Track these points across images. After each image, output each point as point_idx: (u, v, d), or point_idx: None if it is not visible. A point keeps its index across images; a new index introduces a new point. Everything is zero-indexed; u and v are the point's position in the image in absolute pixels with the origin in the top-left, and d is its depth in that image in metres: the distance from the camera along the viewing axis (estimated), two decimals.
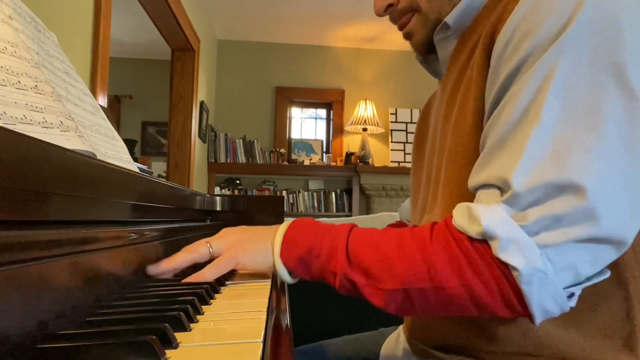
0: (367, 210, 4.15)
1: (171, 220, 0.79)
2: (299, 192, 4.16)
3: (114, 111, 4.71)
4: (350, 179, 4.16)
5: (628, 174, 0.44)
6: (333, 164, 4.13)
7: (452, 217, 0.51)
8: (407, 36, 0.69)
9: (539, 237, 0.45)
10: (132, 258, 0.56)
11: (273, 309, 0.50)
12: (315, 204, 4.15)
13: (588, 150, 0.43)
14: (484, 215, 0.46)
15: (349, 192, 4.17)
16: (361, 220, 1.99)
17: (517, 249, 0.44)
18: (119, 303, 0.46)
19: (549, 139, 0.44)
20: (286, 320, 0.49)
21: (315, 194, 4.17)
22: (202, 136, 3.58)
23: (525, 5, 0.49)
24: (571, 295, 0.46)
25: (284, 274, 0.58)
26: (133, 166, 0.83)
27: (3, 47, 0.51)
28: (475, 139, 0.54)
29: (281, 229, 0.59)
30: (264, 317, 0.44)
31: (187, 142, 3.17)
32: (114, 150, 0.74)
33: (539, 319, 0.47)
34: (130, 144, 4.53)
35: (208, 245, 0.62)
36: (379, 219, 1.94)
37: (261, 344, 0.35)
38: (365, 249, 0.53)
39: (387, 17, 0.69)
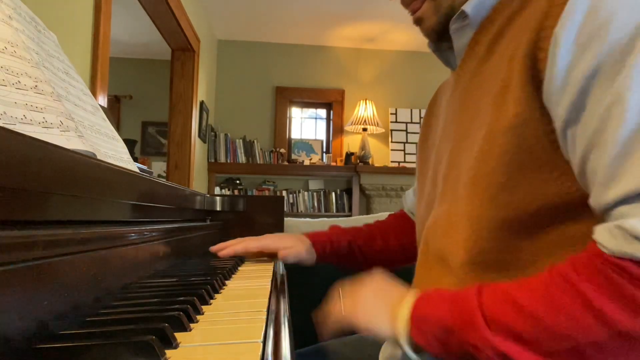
0: (367, 210, 4.15)
1: (171, 220, 0.79)
2: (299, 192, 4.16)
3: (114, 111, 4.71)
4: (350, 179, 4.16)
5: None
6: (333, 164, 4.13)
7: (595, 243, 0.43)
8: (418, 21, 0.67)
9: None
10: (132, 258, 0.56)
11: (273, 309, 0.50)
12: (315, 204, 4.15)
13: None
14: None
15: (349, 192, 4.17)
16: (361, 220, 1.99)
17: None
18: (119, 303, 0.46)
19: None
20: (286, 320, 0.49)
21: (315, 194, 4.17)
22: (202, 136, 3.58)
23: (584, 1, 0.46)
24: None
25: (409, 352, 0.52)
26: (133, 166, 0.83)
27: (3, 47, 0.51)
28: (510, 141, 0.52)
29: (405, 306, 0.53)
30: (264, 317, 0.44)
31: (187, 142, 3.17)
32: (114, 150, 0.74)
33: None
34: (130, 144, 4.53)
35: (341, 306, 0.59)
36: (379, 219, 1.94)
37: (261, 344, 0.35)
38: (505, 309, 0.46)
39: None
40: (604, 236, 0.42)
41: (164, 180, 1.02)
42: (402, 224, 0.95)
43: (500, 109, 0.54)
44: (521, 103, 0.51)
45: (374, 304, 0.57)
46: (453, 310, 0.49)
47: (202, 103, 3.49)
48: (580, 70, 0.45)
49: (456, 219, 0.59)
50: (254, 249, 0.90)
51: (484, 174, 0.55)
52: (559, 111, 0.48)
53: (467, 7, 0.61)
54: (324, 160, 4.23)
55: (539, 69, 0.49)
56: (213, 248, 0.91)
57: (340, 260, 0.92)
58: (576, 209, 0.50)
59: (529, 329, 0.44)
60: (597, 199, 0.45)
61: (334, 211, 4.13)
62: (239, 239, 0.92)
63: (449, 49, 0.68)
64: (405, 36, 4.01)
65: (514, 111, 0.52)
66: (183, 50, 3.16)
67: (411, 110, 4.24)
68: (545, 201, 0.50)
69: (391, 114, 4.23)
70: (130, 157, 0.81)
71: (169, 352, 0.33)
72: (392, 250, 0.93)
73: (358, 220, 2.08)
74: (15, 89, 0.49)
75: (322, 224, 1.96)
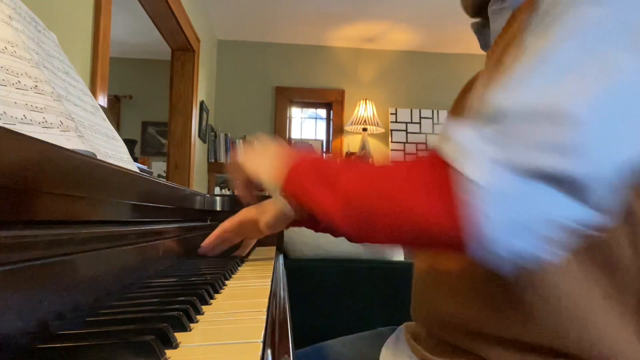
0: None
1: (171, 220, 0.79)
2: None
3: (114, 111, 4.71)
4: None
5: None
6: None
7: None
8: None
9: (506, 157, 0.39)
10: (132, 258, 0.56)
11: (273, 309, 0.50)
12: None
13: (587, 84, 0.39)
14: (452, 130, 0.43)
15: None
16: None
17: (475, 161, 0.39)
18: (119, 303, 0.46)
19: (543, 70, 0.41)
20: (286, 320, 0.49)
21: None
22: (202, 136, 3.58)
23: None
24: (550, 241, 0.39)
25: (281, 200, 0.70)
26: (133, 166, 0.83)
27: (3, 47, 0.51)
28: None
29: (284, 166, 0.61)
30: (264, 317, 0.44)
31: (187, 142, 3.16)
32: (114, 150, 0.74)
33: (503, 255, 0.39)
34: (130, 144, 4.52)
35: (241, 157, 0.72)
36: None
37: (261, 344, 0.35)
38: (329, 163, 0.56)
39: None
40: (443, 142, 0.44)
41: (164, 180, 1.02)
42: None
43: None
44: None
45: (263, 157, 0.66)
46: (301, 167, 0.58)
47: (202, 103, 3.49)
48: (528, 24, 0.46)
49: None
50: (233, 226, 0.88)
51: None
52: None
53: None
54: None
55: None
56: (200, 251, 0.89)
57: (317, 220, 0.90)
58: None
59: (335, 176, 0.52)
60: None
61: None
62: None
63: (488, 30, 0.68)
64: (405, 36, 4.01)
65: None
66: (183, 50, 3.16)
67: (411, 110, 4.24)
68: None
69: (391, 114, 4.23)
70: (130, 157, 0.81)
71: (169, 352, 0.33)
72: None
73: None
74: (15, 89, 0.49)
75: None
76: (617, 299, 0.49)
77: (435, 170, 0.42)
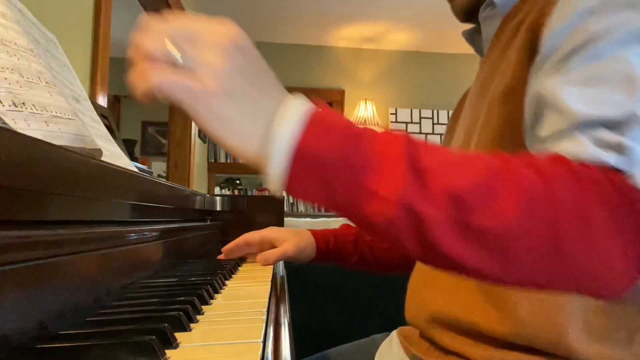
0: None
1: (171, 220, 0.79)
2: None
3: (114, 111, 4.70)
4: None
5: None
6: None
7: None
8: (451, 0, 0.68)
9: None
10: (132, 258, 0.56)
11: (273, 309, 0.50)
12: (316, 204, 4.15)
13: None
14: (623, 138, 0.36)
15: None
16: None
17: None
18: (119, 303, 0.46)
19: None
20: (286, 320, 0.49)
21: None
22: (202, 136, 3.58)
23: None
24: None
25: (275, 183, 0.35)
26: (130, 167, 0.83)
27: (2, 47, 0.51)
28: (499, 116, 0.53)
29: (295, 103, 0.35)
30: (264, 317, 0.44)
31: (187, 142, 3.16)
32: (109, 152, 0.74)
33: None
34: (130, 144, 4.52)
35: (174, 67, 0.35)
36: None
37: (261, 344, 0.35)
38: (448, 163, 0.35)
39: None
40: (570, 145, 0.39)
41: (164, 180, 1.02)
42: None
43: (499, 87, 0.55)
44: (514, 81, 0.52)
45: (241, 89, 0.35)
46: (360, 143, 0.34)
47: None
48: (565, 49, 0.44)
49: None
50: (254, 240, 0.89)
51: (482, 149, 0.55)
52: (537, 75, 0.47)
53: None
54: None
55: (536, 42, 0.50)
56: (221, 257, 0.90)
57: (347, 257, 0.89)
58: None
59: (476, 192, 0.33)
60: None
61: None
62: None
63: (481, 37, 0.68)
64: (405, 36, 4.01)
65: (504, 88, 0.53)
66: None
67: (411, 110, 4.24)
68: None
69: (391, 114, 4.23)
70: (127, 158, 0.81)
71: (169, 352, 0.33)
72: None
73: None
74: (14, 90, 0.49)
75: (322, 223, 1.96)
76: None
77: (614, 191, 0.35)
